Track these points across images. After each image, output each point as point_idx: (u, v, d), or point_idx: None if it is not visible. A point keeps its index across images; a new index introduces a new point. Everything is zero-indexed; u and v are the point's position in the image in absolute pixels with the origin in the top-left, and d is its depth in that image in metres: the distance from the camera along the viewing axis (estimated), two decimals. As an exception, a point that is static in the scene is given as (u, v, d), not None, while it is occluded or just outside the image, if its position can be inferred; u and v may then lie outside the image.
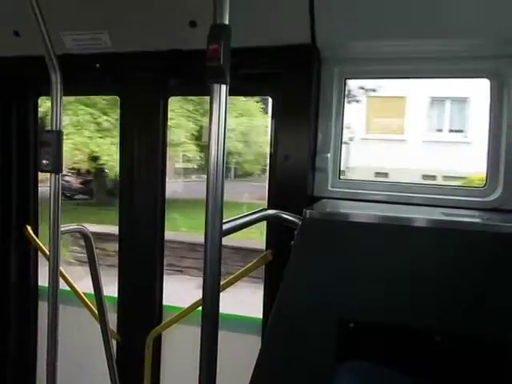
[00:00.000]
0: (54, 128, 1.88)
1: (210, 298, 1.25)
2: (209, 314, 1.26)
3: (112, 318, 2.55)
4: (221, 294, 1.33)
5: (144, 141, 2.51)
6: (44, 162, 1.86)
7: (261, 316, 2.38)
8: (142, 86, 2.47)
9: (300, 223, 1.67)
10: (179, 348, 2.58)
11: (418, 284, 1.57)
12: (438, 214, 1.78)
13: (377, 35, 2.01)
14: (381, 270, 1.60)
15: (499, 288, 1.51)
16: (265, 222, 2.26)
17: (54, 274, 1.91)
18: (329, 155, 2.26)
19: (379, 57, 2.12)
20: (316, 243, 1.66)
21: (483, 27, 1.90)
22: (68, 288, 2.59)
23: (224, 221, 1.26)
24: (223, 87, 1.21)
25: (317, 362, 1.64)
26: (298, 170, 2.20)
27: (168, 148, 2.56)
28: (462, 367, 1.52)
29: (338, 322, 1.61)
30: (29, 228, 2.65)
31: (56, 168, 1.86)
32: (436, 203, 2.08)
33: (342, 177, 2.32)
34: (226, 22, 1.22)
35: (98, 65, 2.42)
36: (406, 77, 2.27)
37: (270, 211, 1.86)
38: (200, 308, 2.31)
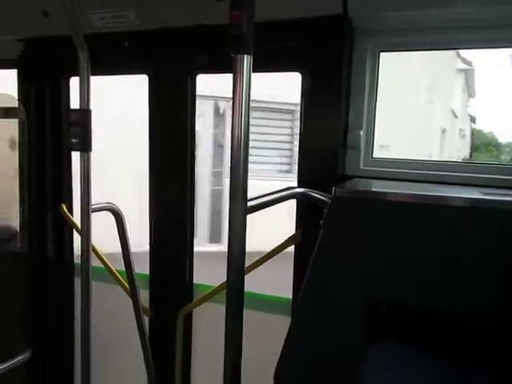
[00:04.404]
0: (83, 107, 1.90)
1: (235, 277, 1.23)
2: (233, 293, 1.25)
3: (145, 295, 2.61)
4: None
5: (172, 119, 2.49)
6: (73, 140, 1.90)
7: (290, 296, 2.36)
8: (170, 64, 2.44)
9: (329, 202, 1.63)
10: (209, 326, 2.61)
11: (453, 266, 1.50)
12: (476, 193, 1.68)
13: (415, 3, 1.88)
14: (414, 250, 1.54)
15: None
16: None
17: (86, 250, 1.96)
18: (361, 132, 2.17)
19: (417, 27, 1.99)
20: (346, 222, 1.60)
21: None
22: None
23: (249, 198, 1.23)
24: (247, 58, 1.16)
25: (346, 343, 1.61)
26: (328, 148, 2.13)
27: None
28: (500, 352, 1.46)
29: (369, 302, 1.57)
30: (64, 206, 2.72)
31: (85, 146, 1.89)
32: (476, 182, 1.95)
33: (374, 155, 2.24)
34: None
35: (126, 43, 2.40)
36: (445, 48, 2.13)
37: (298, 189, 1.81)
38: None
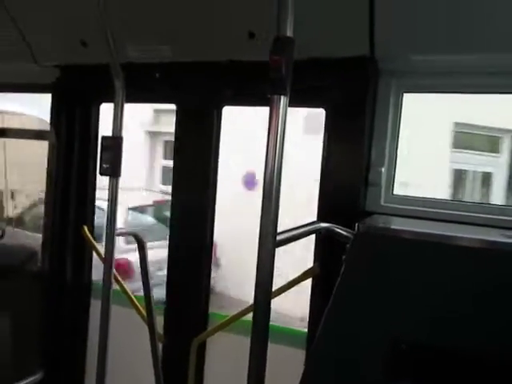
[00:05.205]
0: (116, 134, 1.97)
1: (261, 309, 1.25)
2: (259, 324, 1.26)
3: (159, 321, 2.60)
4: None
5: (198, 149, 2.56)
6: (104, 166, 1.97)
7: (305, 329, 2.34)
8: (198, 95, 2.52)
9: (352, 237, 1.64)
10: (223, 355, 2.59)
11: (475, 307, 1.49)
12: (497, 236, 1.68)
13: (440, 48, 1.94)
14: (436, 290, 1.54)
15: None
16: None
17: (108, 273, 1.99)
18: (383, 169, 2.20)
19: (442, 70, 2.05)
20: (368, 258, 1.61)
21: None
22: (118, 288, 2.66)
23: (278, 231, 1.26)
24: (283, 98, 1.22)
25: (364, 381, 1.59)
26: (350, 184, 2.16)
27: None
28: None
29: (390, 341, 1.56)
30: (85, 228, 2.76)
31: (115, 172, 1.96)
32: (499, 224, 1.94)
33: (395, 192, 2.26)
34: (289, 35, 1.22)
35: (157, 74, 2.50)
36: (470, 92, 2.17)
37: (323, 224, 1.83)
38: (244, 318, 2.32)
